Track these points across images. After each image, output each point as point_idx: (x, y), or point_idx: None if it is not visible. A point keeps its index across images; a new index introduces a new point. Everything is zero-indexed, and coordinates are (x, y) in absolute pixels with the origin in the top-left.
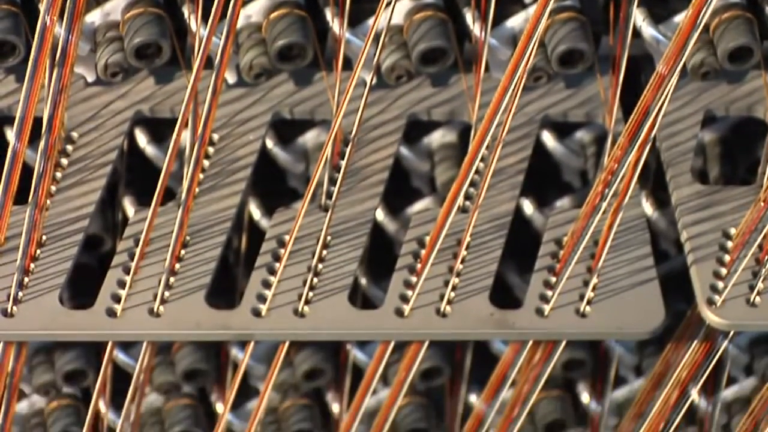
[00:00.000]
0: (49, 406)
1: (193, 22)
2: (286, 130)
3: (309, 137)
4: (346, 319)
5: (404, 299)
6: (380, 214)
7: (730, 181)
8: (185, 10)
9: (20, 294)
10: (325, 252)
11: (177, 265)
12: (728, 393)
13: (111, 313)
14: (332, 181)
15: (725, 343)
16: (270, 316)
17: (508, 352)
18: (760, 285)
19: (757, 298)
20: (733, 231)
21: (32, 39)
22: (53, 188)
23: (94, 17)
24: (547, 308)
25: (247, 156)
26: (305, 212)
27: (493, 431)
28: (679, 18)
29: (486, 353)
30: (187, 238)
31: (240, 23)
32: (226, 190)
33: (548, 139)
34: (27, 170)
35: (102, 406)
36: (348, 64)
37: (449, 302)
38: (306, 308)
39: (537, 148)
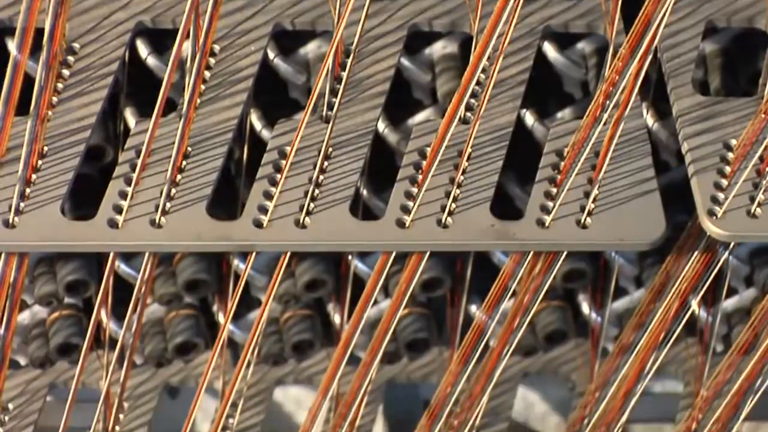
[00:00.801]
0: (50, 316)
1: None
2: (288, 41)
3: (310, 48)
4: (347, 230)
5: (405, 210)
6: (381, 126)
7: (731, 93)
8: None
9: (22, 205)
10: (326, 163)
11: (178, 177)
12: (728, 304)
13: (112, 224)
14: (333, 93)
15: (726, 255)
16: (271, 227)
17: (509, 263)
18: (760, 196)
19: (758, 210)
20: (734, 142)
21: None
22: (54, 99)
23: None
24: (547, 219)
25: (249, 67)
26: (306, 123)
27: (494, 342)
28: None
29: (487, 264)
30: (189, 149)
31: None
32: (227, 101)
33: (549, 50)
34: (28, 81)
35: (103, 317)
36: None
37: (450, 213)
38: (307, 219)
39: (538, 60)
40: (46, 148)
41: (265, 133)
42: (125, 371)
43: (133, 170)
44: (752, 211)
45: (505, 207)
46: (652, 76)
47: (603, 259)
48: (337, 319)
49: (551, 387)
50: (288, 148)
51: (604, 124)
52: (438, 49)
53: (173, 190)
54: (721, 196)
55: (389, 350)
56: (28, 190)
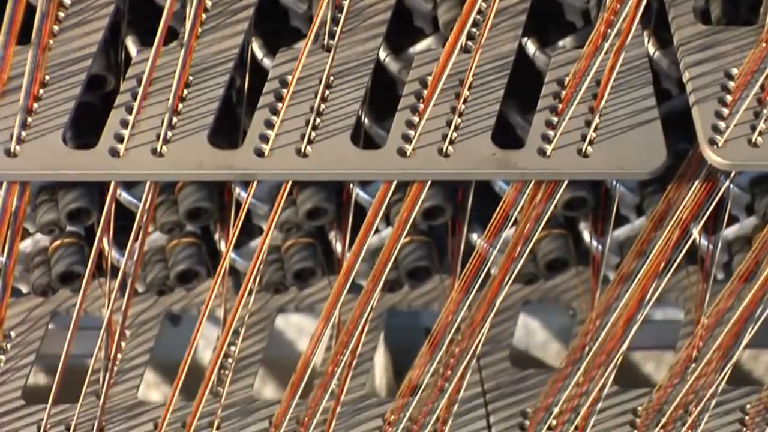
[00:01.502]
0: (52, 244)
1: None
2: None
3: None
4: (348, 159)
5: (406, 139)
6: (382, 54)
7: (732, 22)
8: None
9: (23, 134)
10: (327, 92)
11: (180, 105)
12: (729, 232)
13: (114, 153)
14: (335, 21)
15: (726, 183)
16: (272, 156)
17: (510, 191)
18: (761, 125)
19: (759, 138)
20: (735, 71)
21: None
22: (56, 28)
23: None
24: (549, 148)
25: None
26: (308, 52)
27: (495, 270)
28: None
29: (488, 193)
30: (190, 78)
31: None
32: (228, 29)
33: None
34: (30, 10)
35: (105, 245)
36: None
37: (451, 142)
38: (308, 148)
39: None
40: (47, 77)
41: (267, 62)
42: (127, 299)
43: (135, 99)
44: (753, 140)
45: (507, 136)
46: (653, 5)
47: (604, 188)
48: (338, 247)
49: (552, 315)
50: (289, 77)
51: (606, 53)
52: None
53: (174, 119)
54: (722, 125)
55: (390, 278)
56: (29, 119)
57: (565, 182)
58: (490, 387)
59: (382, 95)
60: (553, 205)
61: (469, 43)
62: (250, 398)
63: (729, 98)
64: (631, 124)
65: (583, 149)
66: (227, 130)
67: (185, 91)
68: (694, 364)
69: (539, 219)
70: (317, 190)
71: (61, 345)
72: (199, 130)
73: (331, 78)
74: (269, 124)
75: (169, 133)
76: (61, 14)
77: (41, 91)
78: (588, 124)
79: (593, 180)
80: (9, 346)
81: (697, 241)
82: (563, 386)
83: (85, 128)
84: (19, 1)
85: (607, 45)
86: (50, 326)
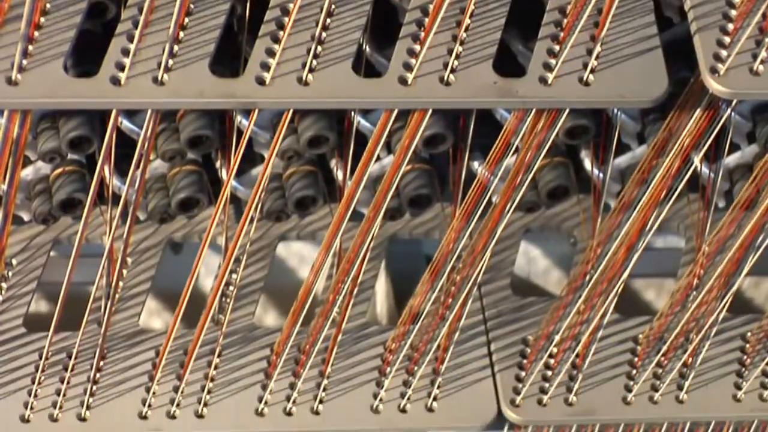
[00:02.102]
0: (54, 172)
1: None
2: None
3: None
4: (349, 87)
5: (408, 67)
6: None
7: None
8: None
9: (24, 62)
10: (328, 20)
11: (181, 34)
12: (730, 160)
13: (115, 81)
14: None
15: (728, 111)
16: (274, 84)
17: (512, 119)
18: (763, 54)
19: (760, 67)
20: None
21: None
22: None
23: None
24: (550, 76)
25: None
26: None
27: (497, 198)
28: None
29: (489, 121)
30: (191, 6)
31: None
32: None
33: None
34: None
35: (106, 173)
36: None
37: (452, 71)
38: (309, 76)
39: None
40: (48, 5)
41: None
42: (128, 227)
43: (136, 27)
44: (754, 68)
45: (508, 64)
46: None
47: (605, 116)
48: (339, 175)
49: (553, 243)
50: (291, 5)
51: None
52: None
53: (175, 48)
54: (723, 53)
55: (392, 206)
56: (30, 48)
57: (567, 110)
58: (491, 315)
59: (384, 23)
60: (554, 133)
61: None
62: (252, 326)
63: (730, 26)
64: (633, 52)
65: (585, 77)
66: (228, 58)
67: (186, 20)
68: (694, 292)
69: (540, 147)
70: (318, 118)
71: (63, 273)
72: (200, 58)
73: (332, 6)
74: (270, 53)
75: (171, 62)
76: None
77: (42, 19)
78: (589, 52)
79: (594, 108)
80: (10, 274)
81: (699, 169)
82: (564, 314)
83: (86, 56)
84: None
85: None
86: (51, 254)
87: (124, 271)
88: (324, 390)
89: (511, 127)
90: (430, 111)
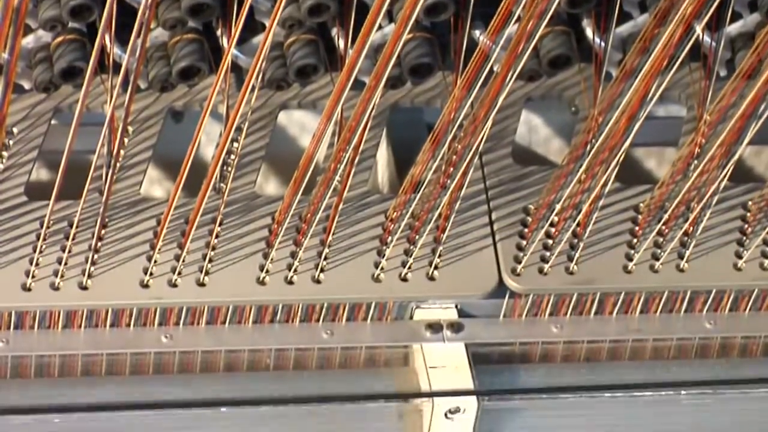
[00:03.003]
0: (55, 41)
1: None
2: None
3: None
4: None
5: None
6: None
7: None
8: None
9: None
10: None
11: None
12: (732, 29)
13: None
14: None
15: None
16: None
17: None
18: None
19: None
20: None
21: None
22: None
23: None
24: None
25: None
26: None
27: (498, 67)
28: None
29: None
30: None
31: None
32: None
33: None
34: None
35: (107, 41)
36: None
37: None
38: None
39: None
40: None
41: None
42: (129, 95)
43: None
44: None
45: None
46: None
47: None
48: (341, 44)
49: (555, 112)
50: None
51: None
52: None
53: None
54: None
55: (393, 75)
56: None
57: None
58: (492, 184)
59: None
60: (556, 1)
61: None
62: (253, 195)
63: None
64: None
65: None
66: None
67: None
68: (696, 161)
69: (542, 16)
70: None
71: (64, 141)
72: None
73: None
74: None
75: None
76: None
77: None
78: None
79: None
80: (11, 142)
81: (700, 37)
82: (565, 183)
83: None
84: None
85: None
86: (53, 122)
87: (125, 140)
88: (325, 259)
89: None
90: None
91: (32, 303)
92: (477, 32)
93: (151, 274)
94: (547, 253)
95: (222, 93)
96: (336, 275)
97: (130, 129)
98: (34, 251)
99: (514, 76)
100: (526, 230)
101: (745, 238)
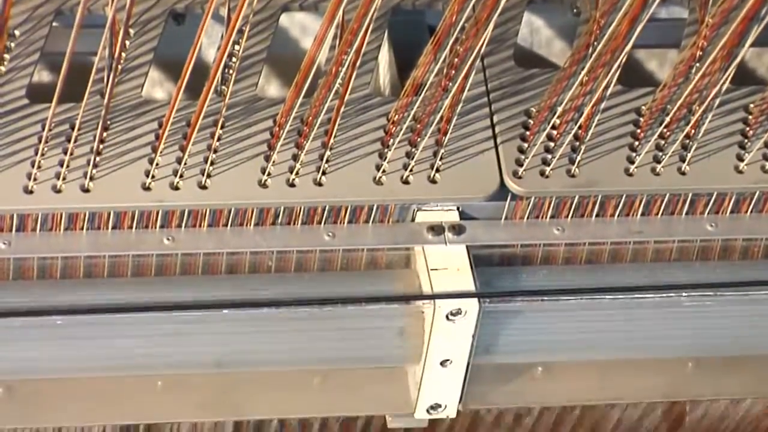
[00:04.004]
0: None
1: None
2: None
3: None
4: None
5: None
6: None
7: None
8: None
9: None
10: None
11: None
12: None
13: None
14: None
15: None
16: None
17: None
18: None
19: None
20: None
21: None
22: None
23: None
24: None
25: None
26: None
27: None
28: None
29: None
30: None
31: None
32: None
33: None
34: None
35: None
36: None
37: None
38: None
39: None
40: None
41: None
42: None
43: None
44: None
45: None
46: None
47: None
48: None
49: (557, 14)
50: None
51: None
52: None
53: None
54: None
55: None
56: None
57: None
58: (494, 86)
59: None
60: None
61: None
62: (255, 97)
63: None
64: None
65: None
66: None
67: None
68: (698, 64)
69: None
70: None
71: (66, 43)
72: None
73: None
74: None
75: None
76: None
77: None
78: None
79: None
80: (13, 45)
81: None
82: (567, 85)
83: None
84: None
85: None
86: (54, 24)
87: (127, 42)
88: (327, 161)
89: None
90: None
91: (34, 205)
92: None
93: (153, 176)
94: (549, 156)
95: None
96: (338, 178)
97: (132, 31)
98: (36, 154)
99: None
100: (527, 133)
101: (746, 140)
